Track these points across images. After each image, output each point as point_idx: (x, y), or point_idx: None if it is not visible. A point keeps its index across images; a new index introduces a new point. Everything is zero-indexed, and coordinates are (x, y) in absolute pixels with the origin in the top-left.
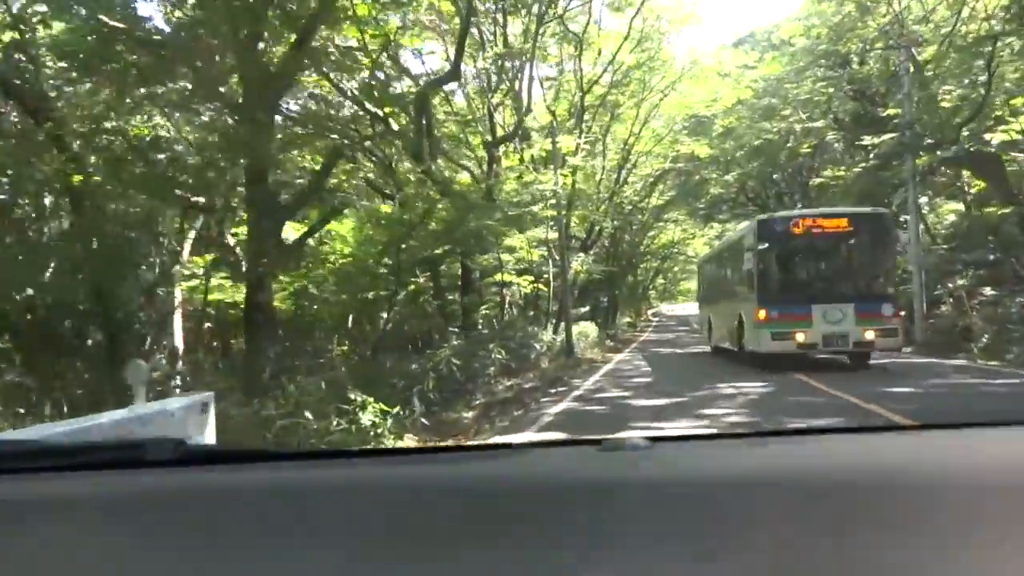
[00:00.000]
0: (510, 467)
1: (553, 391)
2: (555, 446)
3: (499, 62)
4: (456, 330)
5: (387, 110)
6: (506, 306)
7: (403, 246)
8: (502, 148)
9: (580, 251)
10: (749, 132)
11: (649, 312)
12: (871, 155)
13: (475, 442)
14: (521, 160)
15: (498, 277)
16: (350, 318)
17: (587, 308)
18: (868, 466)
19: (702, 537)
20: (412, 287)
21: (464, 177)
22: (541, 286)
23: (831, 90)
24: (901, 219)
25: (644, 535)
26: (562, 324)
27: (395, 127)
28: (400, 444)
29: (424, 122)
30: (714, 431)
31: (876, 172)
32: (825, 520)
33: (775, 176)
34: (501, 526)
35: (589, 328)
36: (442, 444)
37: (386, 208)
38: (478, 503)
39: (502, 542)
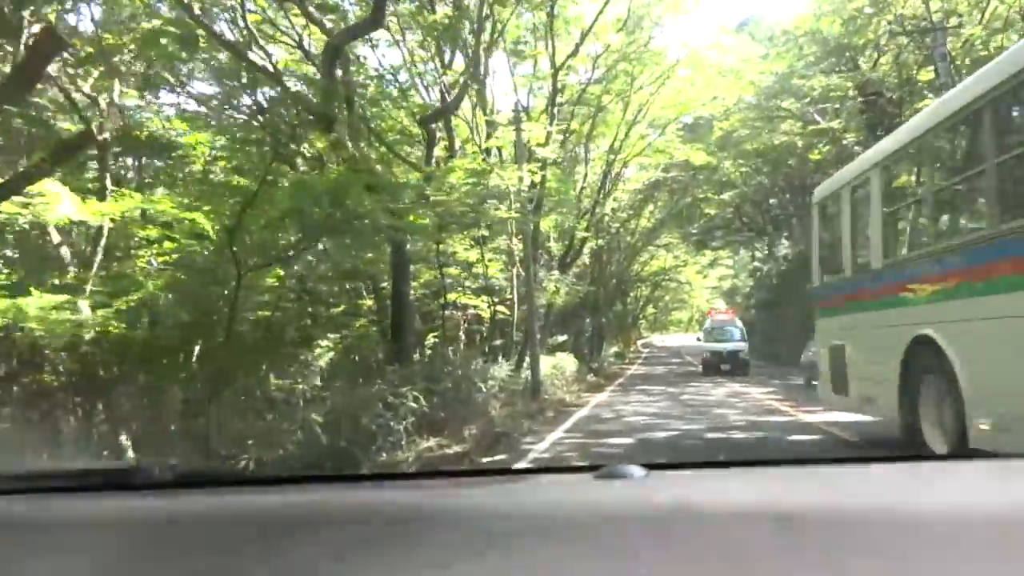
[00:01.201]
0: (506, 494)
1: (487, 460)
2: (552, 472)
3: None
4: (321, 366)
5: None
6: (460, 334)
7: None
8: (459, 143)
9: (558, 269)
10: (751, 136)
11: (639, 343)
12: None
13: (472, 467)
14: (484, 151)
15: (450, 298)
16: (197, 346)
17: (565, 337)
18: (865, 497)
19: (700, 567)
20: (340, 307)
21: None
22: (504, 309)
23: (848, 84)
24: None
25: (641, 565)
26: (528, 356)
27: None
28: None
29: (340, 85)
30: (711, 459)
31: None
32: (822, 551)
33: (771, 200)
34: (497, 554)
35: (566, 361)
36: (439, 469)
37: (245, 181)
38: (474, 530)
39: (497, 570)
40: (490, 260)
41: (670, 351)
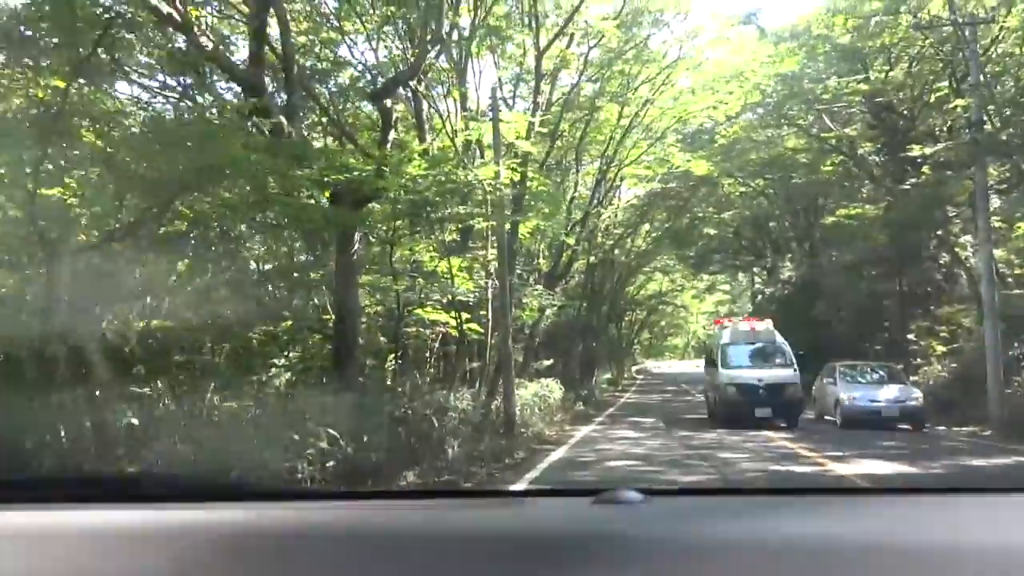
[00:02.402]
0: (503, 515)
1: None
2: (550, 496)
3: None
4: (277, 386)
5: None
6: (428, 355)
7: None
8: (431, 138)
9: (544, 285)
10: (756, 147)
11: (634, 369)
12: (923, 167)
13: (469, 487)
14: (462, 145)
15: (416, 314)
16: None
17: (551, 361)
18: (865, 528)
19: None
20: (288, 323)
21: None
22: (475, 327)
23: (863, 87)
24: (966, 247)
25: None
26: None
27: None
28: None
29: (280, 48)
30: (709, 486)
31: (934, 187)
32: None
33: (772, 224)
34: (493, 574)
35: (552, 387)
36: (437, 488)
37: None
38: (471, 550)
39: None
40: (459, 271)
41: (665, 378)
